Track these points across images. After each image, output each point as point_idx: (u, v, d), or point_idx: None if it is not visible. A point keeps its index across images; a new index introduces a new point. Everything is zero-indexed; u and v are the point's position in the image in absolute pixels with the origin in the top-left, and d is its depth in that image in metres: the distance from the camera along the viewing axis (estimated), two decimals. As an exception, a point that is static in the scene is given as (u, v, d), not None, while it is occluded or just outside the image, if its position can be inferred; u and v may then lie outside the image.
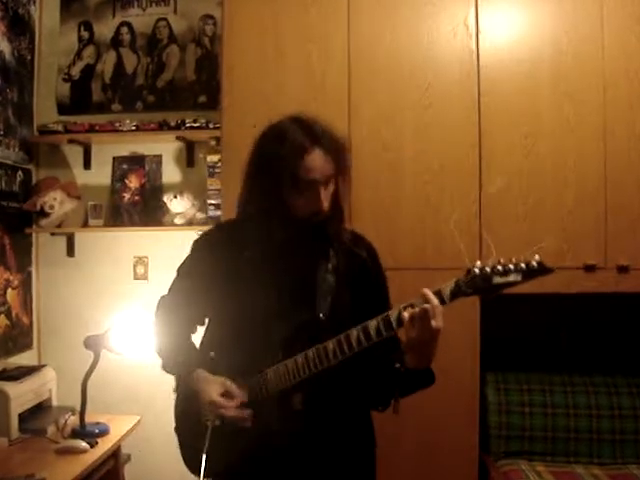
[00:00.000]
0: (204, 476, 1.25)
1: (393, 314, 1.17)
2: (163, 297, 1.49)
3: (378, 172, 2.12)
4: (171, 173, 2.71)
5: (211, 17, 2.69)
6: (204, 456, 1.23)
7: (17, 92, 2.62)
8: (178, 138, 2.60)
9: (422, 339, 1.14)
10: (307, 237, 1.32)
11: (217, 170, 2.48)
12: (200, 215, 2.55)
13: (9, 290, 2.55)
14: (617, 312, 2.37)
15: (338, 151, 1.29)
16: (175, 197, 2.56)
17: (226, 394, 1.27)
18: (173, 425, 1.46)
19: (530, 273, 1.09)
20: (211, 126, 2.51)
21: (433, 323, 1.12)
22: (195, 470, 1.29)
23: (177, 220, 2.55)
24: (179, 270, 1.46)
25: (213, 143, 2.54)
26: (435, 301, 1.12)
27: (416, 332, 1.14)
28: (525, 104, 2.08)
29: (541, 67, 2.08)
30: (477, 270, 1.10)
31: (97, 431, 2.11)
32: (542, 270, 1.10)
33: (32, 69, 2.75)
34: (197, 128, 2.55)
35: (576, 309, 2.33)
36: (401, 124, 2.12)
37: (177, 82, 2.71)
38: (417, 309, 1.13)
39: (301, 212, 1.28)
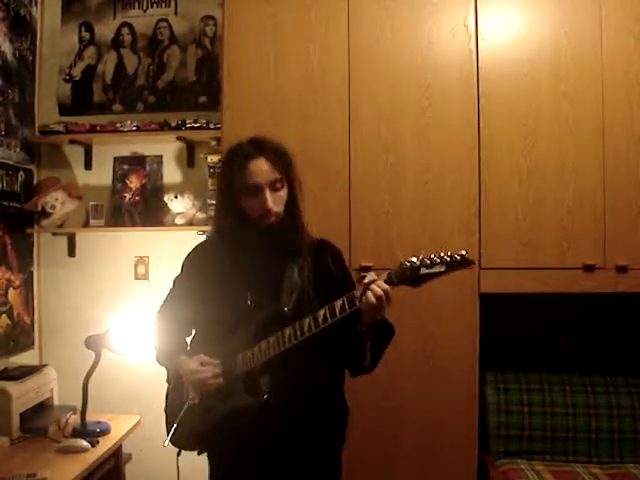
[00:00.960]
0: (172, 441, 1.49)
1: (337, 303, 1.32)
2: (161, 307, 1.67)
3: (378, 172, 2.13)
4: (172, 173, 2.72)
5: (212, 18, 2.70)
6: (175, 425, 1.47)
7: (18, 92, 2.63)
8: (179, 138, 2.61)
9: (375, 313, 1.33)
10: (275, 247, 1.49)
11: (218, 170, 2.49)
12: (200, 215, 2.56)
13: (11, 290, 2.56)
14: (616, 312, 2.38)
15: (281, 158, 1.49)
16: (176, 197, 2.56)
17: (202, 364, 1.47)
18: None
19: (452, 265, 1.21)
20: (211, 126, 2.52)
21: (380, 298, 1.27)
22: (178, 445, 1.53)
23: (178, 220, 2.56)
24: (174, 282, 1.66)
25: (213, 143, 2.55)
26: (376, 290, 1.27)
27: (370, 313, 1.32)
28: (524, 104, 2.09)
29: (540, 67, 2.09)
30: (407, 263, 1.25)
31: (98, 430, 2.12)
32: (463, 262, 1.21)
33: (33, 70, 2.76)
34: (198, 128, 2.55)
35: (575, 309, 2.34)
36: (401, 124, 2.13)
37: (178, 83, 2.72)
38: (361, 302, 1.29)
39: (255, 214, 1.47)
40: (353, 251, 2.10)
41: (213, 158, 2.52)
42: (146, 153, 2.73)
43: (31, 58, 2.74)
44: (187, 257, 1.66)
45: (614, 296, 2.08)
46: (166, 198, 2.59)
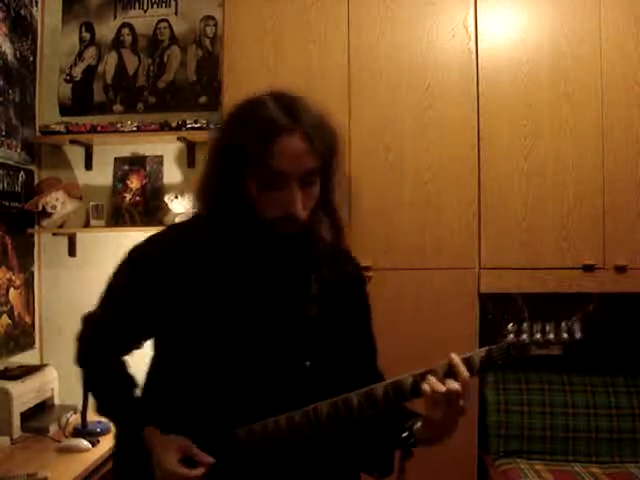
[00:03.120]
0: None
1: (407, 382, 0.98)
2: (90, 315, 1.21)
3: (378, 172, 2.13)
4: (172, 174, 2.72)
5: (212, 18, 2.70)
6: None
7: (19, 93, 2.63)
8: (179, 139, 2.61)
9: (445, 419, 0.96)
10: (282, 255, 1.05)
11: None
12: (201, 215, 2.56)
13: (11, 290, 2.56)
14: (615, 312, 2.37)
15: (323, 137, 1.00)
16: (176, 197, 2.56)
17: (187, 460, 1.00)
18: None
19: (572, 346, 0.99)
20: (212, 127, 2.52)
21: (461, 403, 0.94)
22: None
23: (178, 220, 2.56)
24: (111, 286, 1.20)
25: (214, 143, 2.55)
26: (465, 374, 0.96)
27: (439, 413, 0.95)
28: (524, 105, 2.09)
29: (540, 68, 2.09)
30: (513, 338, 0.99)
31: (99, 430, 2.12)
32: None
33: (34, 70, 2.76)
34: (198, 129, 2.55)
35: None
36: (401, 125, 2.13)
37: (178, 83, 2.72)
38: (443, 388, 0.94)
39: (269, 215, 0.99)
40: (352, 251, 2.10)
41: (213, 158, 2.52)
42: (146, 153, 2.72)
43: (32, 58, 2.74)
44: (137, 251, 1.22)
45: (614, 296, 2.08)
46: (166, 198, 2.59)
